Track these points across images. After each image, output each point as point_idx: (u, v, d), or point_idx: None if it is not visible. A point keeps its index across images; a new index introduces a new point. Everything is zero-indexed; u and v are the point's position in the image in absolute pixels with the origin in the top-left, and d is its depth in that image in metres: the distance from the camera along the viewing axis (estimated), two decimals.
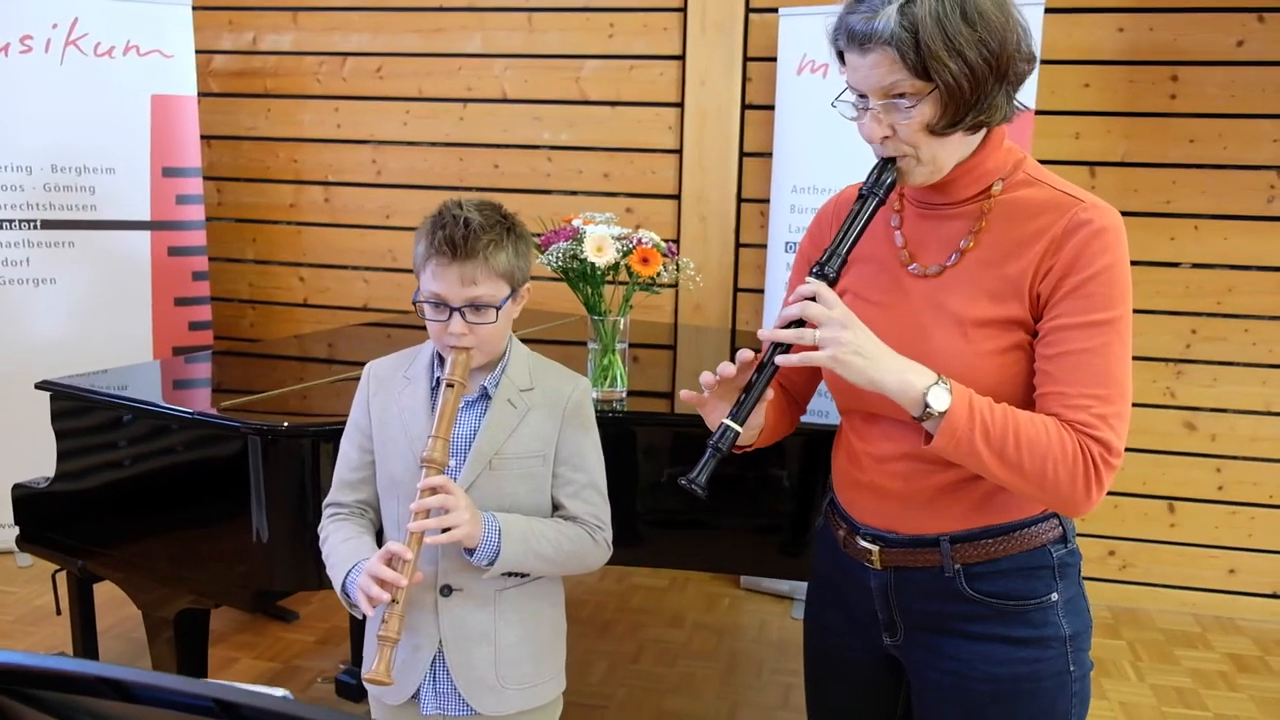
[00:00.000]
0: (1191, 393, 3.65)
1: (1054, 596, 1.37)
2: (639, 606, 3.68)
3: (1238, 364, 3.61)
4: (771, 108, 3.69)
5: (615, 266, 2.16)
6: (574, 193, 4.05)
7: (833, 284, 1.31)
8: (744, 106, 3.85)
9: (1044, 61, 3.50)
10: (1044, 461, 1.24)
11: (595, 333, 2.28)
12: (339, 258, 4.34)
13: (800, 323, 1.28)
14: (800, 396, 1.60)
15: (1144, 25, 3.53)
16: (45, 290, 3.73)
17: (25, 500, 2.41)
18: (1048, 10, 3.40)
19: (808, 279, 1.31)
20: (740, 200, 3.91)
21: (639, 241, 2.15)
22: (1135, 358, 3.51)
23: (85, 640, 3.05)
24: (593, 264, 2.11)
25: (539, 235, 2.26)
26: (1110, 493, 3.66)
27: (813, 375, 1.56)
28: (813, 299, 1.27)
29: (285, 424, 2.10)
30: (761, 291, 3.82)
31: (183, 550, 2.21)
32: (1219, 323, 3.60)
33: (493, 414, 1.56)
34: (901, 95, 1.25)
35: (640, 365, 2.88)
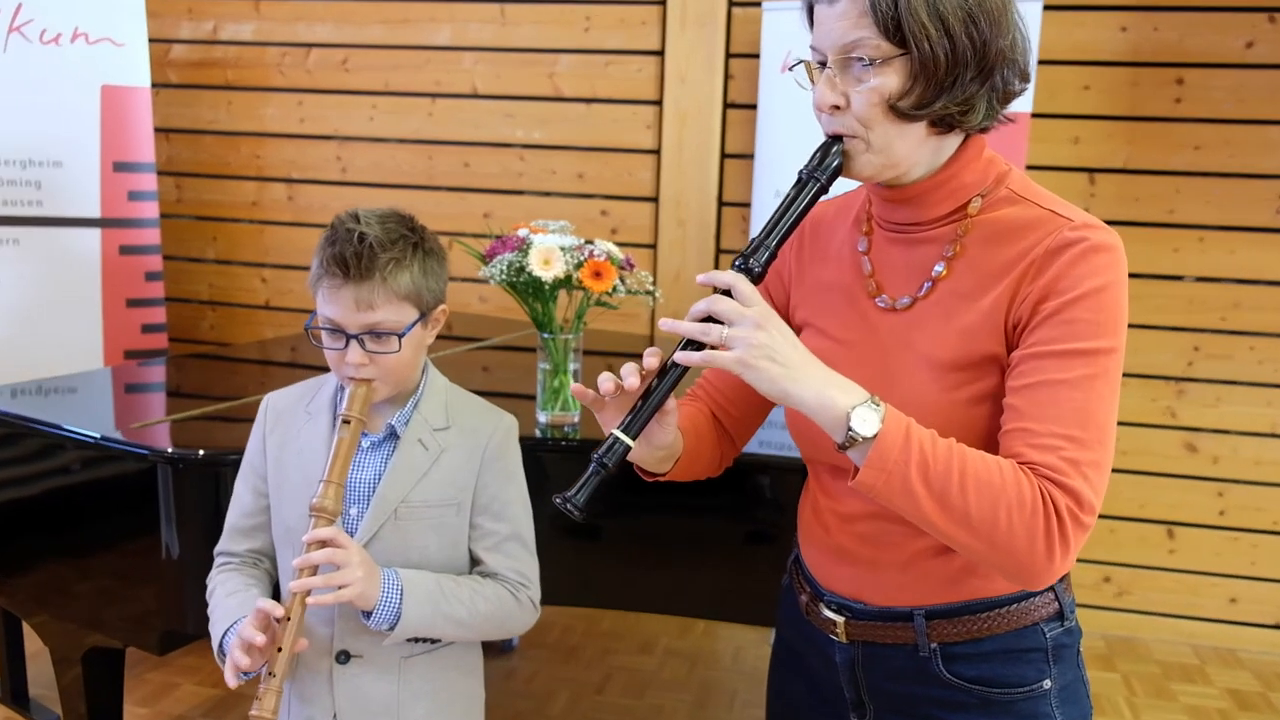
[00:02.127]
0: (1193, 413, 3.47)
1: (1046, 684, 1.18)
2: (609, 631, 3.50)
3: (1242, 383, 3.43)
4: (754, 107, 3.51)
5: (567, 280, 1.98)
6: (547, 193, 3.86)
7: (757, 280, 1.10)
8: (725, 105, 3.66)
9: (1042, 62, 3.32)
10: (995, 508, 1.01)
11: (546, 351, 2.09)
12: (303, 259, 4.11)
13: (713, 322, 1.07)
14: (737, 431, 1.37)
15: (1148, 25, 3.34)
16: None
17: None
18: (1046, 7, 3.22)
19: (729, 270, 1.09)
20: (721, 204, 3.72)
21: (590, 254, 1.96)
22: (1134, 375, 3.42)
23: (12, 668, 2.87)
24: (539, 278, 1.92)
25: (492, 239, 2.08)
26: (1107, 516, 3.56)
27: (751, 408, 1.35)
28: (728, 294, 1.06)
29: (200, 452, 1.91)
30: None
31: (86, 585, 2.02)
32: (1223, 340, 3.42)
33: (400, 456, 1.37)
34: (862, 60, 1.06)
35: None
